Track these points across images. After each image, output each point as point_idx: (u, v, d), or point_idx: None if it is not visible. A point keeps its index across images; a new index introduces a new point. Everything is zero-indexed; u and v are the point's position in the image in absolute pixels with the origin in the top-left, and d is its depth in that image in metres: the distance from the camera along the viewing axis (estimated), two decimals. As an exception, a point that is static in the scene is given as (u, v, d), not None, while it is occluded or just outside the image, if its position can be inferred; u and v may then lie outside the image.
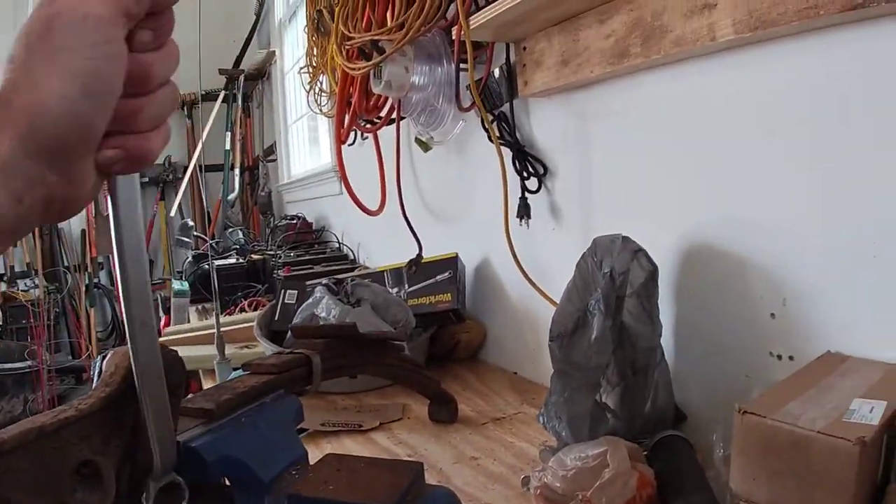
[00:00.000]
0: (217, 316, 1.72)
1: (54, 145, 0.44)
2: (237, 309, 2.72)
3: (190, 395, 0.73)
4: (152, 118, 0.48)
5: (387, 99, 2.12)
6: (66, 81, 0.43)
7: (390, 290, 1.95)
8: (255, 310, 2.61)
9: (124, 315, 0.55)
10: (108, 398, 0.60)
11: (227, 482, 0.70)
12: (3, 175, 0.43)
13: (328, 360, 0.91)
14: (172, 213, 5.97)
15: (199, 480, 0.67)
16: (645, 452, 1.09)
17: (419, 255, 1.81)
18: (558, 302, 1.22)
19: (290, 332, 1.49)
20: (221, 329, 1.69)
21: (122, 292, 0.54)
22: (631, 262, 1.17)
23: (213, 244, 3.84)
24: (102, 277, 6.16)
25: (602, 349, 1.14)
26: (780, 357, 1.10)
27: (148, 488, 0.60)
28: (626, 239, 1.19)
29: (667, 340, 1.23)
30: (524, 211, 1.66)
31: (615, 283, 1.16)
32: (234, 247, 3.67)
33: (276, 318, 1.93)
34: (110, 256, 5.93)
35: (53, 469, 0.54)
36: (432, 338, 1.92)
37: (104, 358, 0.68)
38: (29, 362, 5.12)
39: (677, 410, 1.25)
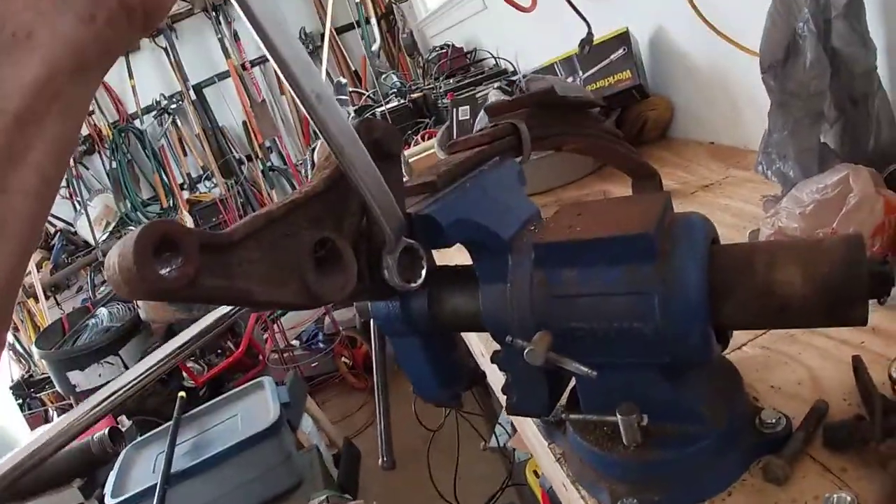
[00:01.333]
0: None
1: None
2: (412, 145, 2.74)
3: (406, 179, 0.71)
4: None
5: None
6: None
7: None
8: (430, 140, 2.61)
9: (295, 94, 0.51)
10: (330, 178, 0.59)
11: (466, 247, 0.69)
12: None
13: (533, 129, 0.87)
14: (322, 80, 6.06)
15: (437, 248, 0.66)
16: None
17: (589, 34, 1.70)
18: (758, 43, 1.10)
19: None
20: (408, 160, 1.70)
21: (280, 68, 0.50)
22: (831, -21, 1.02)
23: (371, 94, 3.85)
24: (274, 160, 6.42)
25: (820, 73, 1.04)
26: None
27: (385, 261, 0.60)
28: (822, -45, 1.04)
29: (882, 67, 1.09)
30: (696, -42, 1.49)
31: (819, 1, 1.03)
32: (392, 91, 3.66)
33: (455, 135, 1.91)
34: (278, 138, 6.18)
35: (289, 254, 0.53)
36: (618, 121, 1.84)
37: (313, 151, 0.67)
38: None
39: (902, 144, 1.12)
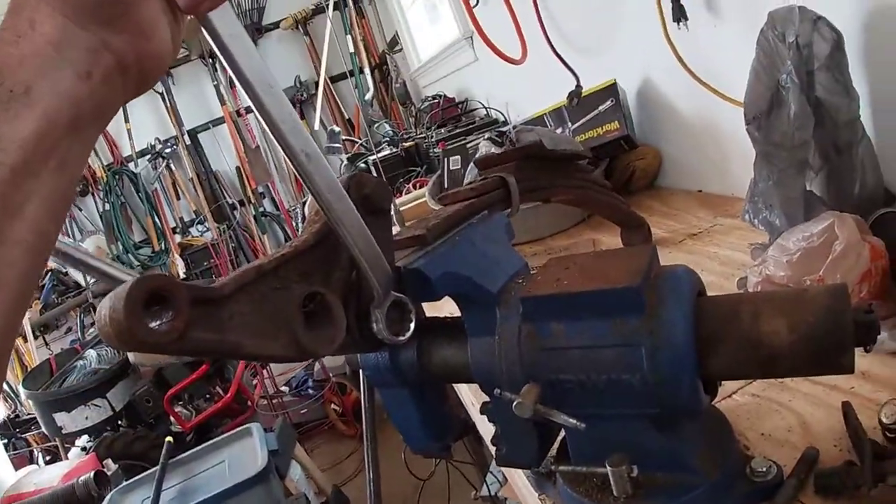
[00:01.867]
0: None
1: None
2: (404, 193, 2.76)
3: (396, 231, 0.72)
4: None
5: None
6: None
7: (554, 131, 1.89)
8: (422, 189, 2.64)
9: (283, 153, 0.53)
10: (319, 233, 0.60)
11: (454, 301, 0.70)
12: (60, 53, 0.40)
13: (522, 182, 0.88)
14: (316, 127, 6.13)
15: (426, 301, 0.67)
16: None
17: (578, 87, 1.73)
18: (743, 94, 1.13)
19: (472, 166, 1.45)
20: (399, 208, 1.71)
21: (269, 127, 0.52)
22: (812, 33, 1.05)
23: (363, 142, 3.89)
24: (267, 205, 6.43)
25: (803, 124, 1.06)
26: None
27: (374, 315, 0.60)
28: (802, 8, 1.07)
29: (865, 117, 1.12)
30: (679, 13, 1.53)
31: (802, 54, 1.06)
32: (384, 139, 3.70)
33: (446, 184, 1.94)
34: (271, 184, 6.20)
35: (279, 308, 0.53)
36: (607, 171, 1.86)
37: (304, 204, 0.68)
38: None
39: (886, 192, 1.14)
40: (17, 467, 3.57)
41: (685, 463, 0.68)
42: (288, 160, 0.53)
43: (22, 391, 3.54)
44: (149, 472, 2.78)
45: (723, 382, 0.70)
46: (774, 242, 1.02)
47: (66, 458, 3.61)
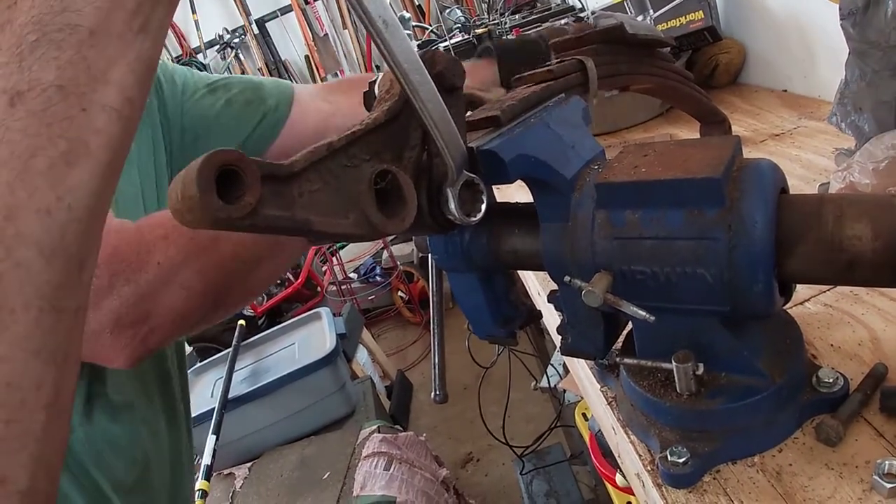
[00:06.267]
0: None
1: None
2: (475, 81, 2.70)
3: (469, 112, 0.70)
4: None
5: None
6: None
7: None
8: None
9: (360, 20, 0.50)
10: (390, 111, 0.58)
11: (527, 185, 0.68)
12: None
13: (601, 67, 0.84)
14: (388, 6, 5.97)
15: (499, 183, 0.65)
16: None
17: (663, -30, 1.64)
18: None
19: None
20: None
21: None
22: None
23: (434, 29, 3.79)
24: (336, 93, 6.41)
25: (902, 22, 0.98)
26: None
27: (445, 194, 0.59)
28: None
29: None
30: None
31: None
32: (456, 26, 3.60)
33: (519, 72, 1.88)
34: (340, 72, 6.15)
35: (349, 185, 0.53)
36: (688, 63, 1.78)
37: (374, 82, 0.66)
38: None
39: None
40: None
41: (751, 365, 0.67)
42: (364, 32, 0.51)
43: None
44: (221, 353, 2.93)
45: (797, 287, 0.68)
46: (861, 148, 0.97)
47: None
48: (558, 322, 0.78)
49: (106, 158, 0.37)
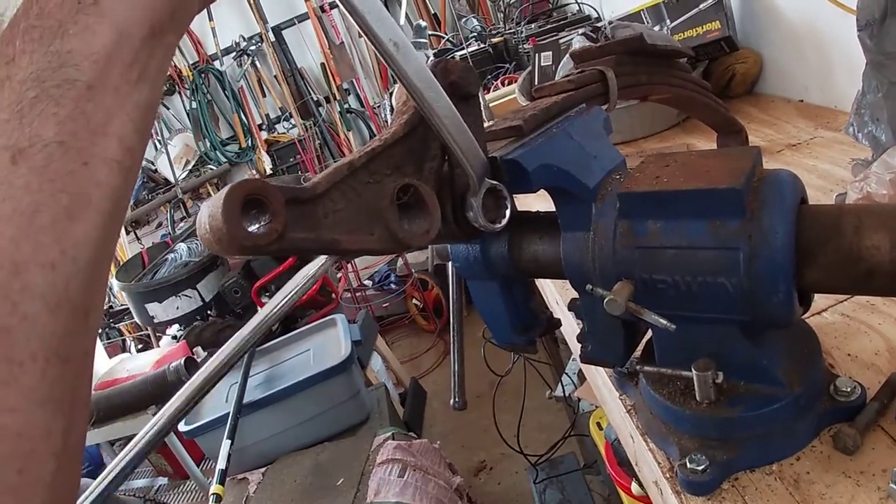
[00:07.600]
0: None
1: None
2: (491, 90, 2.71)
3: (491, 122, 0.71)
4: None
5: None
6: None
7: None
8: (510, 85, 2.58)
9: (371, 43, 0.51)
10: (408, 124, 0.59)
11: (549, 194, 0.69)
12: None
13: (621, 77, 0.85)
14: (401, 22, 6.02)
15: (521, 192, 0.66)
16: None
17: (679, -19, 1.64)
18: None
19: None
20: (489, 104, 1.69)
21: (354, 18, 0.50)
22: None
23: (450, 38, 3.82)
24: (351, 102, 6.43)
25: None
26: None
27: (469, 203, 0.60)
28: None
29: None
30: None
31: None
32: (472, 35, 3.62)
33: (536, 81, 1.89)
34: (355, 80, 6.19)
35: (373, 202, 0.54)
36: (704, 73, 1.78)
37: (391, 95, 0.67)
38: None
39: None
40: (110, 356, 3.79)
41: (769, 374, 0.67)
42: (375, 51, 0.52)
43: (115, 283, 3.71)
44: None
45: (815, 297, 0.69)
46: (878, 158, 0.97)
47: (158, 346, 3.82)
48: (578, 331, 0.79)
49: (108, 209, 0.38)
